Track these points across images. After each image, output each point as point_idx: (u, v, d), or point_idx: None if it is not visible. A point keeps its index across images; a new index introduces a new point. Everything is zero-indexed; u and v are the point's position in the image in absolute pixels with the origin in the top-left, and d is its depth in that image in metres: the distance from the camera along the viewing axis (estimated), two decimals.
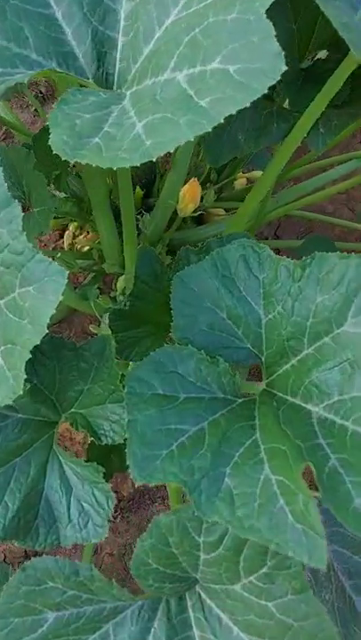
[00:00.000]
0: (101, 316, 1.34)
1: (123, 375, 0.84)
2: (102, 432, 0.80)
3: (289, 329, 0.64)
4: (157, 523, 0.60)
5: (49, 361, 0.83)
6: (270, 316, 0.66)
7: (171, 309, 0.70)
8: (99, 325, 1.37)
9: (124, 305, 0.93)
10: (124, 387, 0.62)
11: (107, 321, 1.04)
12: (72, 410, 0.84)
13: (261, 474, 0.53)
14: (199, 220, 1.52)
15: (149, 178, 1.41)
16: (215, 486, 0.53)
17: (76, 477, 0.79)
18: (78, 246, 1.54)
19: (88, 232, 1.54)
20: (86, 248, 1.51)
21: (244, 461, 0.55)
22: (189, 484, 0.53)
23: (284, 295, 0.65)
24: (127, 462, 0.54)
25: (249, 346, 0.69)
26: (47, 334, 0.54)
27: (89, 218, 1.40)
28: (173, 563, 0.62)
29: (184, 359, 0.64)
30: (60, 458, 0.82)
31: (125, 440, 0.56)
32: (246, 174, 1.60)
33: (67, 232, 1.57)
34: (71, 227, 1.56)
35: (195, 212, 1.15)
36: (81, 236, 1.55)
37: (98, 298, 1.30)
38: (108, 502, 0.77)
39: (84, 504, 0.77)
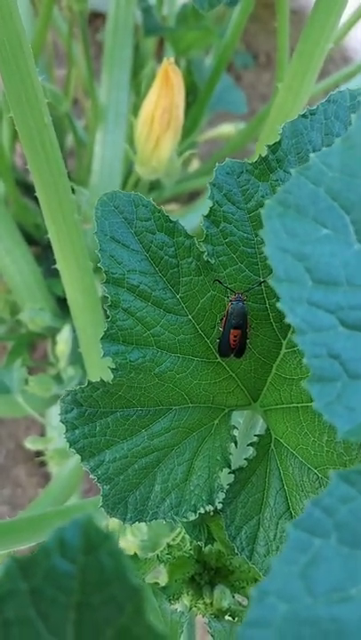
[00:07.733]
0: (43, 414, 0.74)
1: None
2: None
3: None
4: None
5: None
6: None
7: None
8: (42, 435, 0.77)
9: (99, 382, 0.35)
10: None
11: (54, 421, 0.51)
12: None
13: None
14: None
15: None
16: None
17: None
18: None
19: None
20: None
21: None
22: None
23: None
24: None
25: None
26: None
27: None
28: None
29: None
30: None
31: None
32: (212, 132, 1.06)
33: None
34: None
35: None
36: None
37: (27, 383, 0.71)
38: None
39: None
